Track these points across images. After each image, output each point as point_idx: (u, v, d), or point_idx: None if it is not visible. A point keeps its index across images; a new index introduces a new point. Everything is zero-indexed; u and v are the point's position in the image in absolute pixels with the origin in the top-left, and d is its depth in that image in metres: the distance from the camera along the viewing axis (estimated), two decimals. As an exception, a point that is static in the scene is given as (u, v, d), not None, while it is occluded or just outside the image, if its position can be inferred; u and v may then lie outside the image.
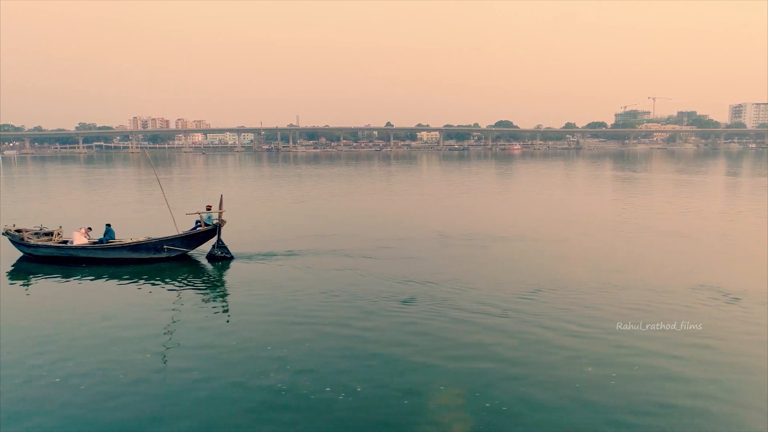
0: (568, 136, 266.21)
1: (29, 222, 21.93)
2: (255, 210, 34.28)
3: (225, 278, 17.77)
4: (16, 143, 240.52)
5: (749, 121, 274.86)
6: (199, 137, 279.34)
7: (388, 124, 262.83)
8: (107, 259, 19.21)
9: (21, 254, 20.27)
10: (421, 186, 54.65)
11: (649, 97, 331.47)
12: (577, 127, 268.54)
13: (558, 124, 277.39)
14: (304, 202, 38.75)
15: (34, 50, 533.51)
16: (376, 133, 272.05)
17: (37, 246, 19.55)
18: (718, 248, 21.86)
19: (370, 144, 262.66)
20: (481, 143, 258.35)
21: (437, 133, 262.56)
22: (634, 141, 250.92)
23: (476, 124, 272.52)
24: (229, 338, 12.14)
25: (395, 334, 12.14)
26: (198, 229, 19.61)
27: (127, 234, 21.06)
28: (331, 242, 22.38)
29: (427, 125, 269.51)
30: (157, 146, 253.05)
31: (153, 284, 16.98)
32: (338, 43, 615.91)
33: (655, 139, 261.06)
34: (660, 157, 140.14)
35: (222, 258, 19.25)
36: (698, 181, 58.94)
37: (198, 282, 17.66)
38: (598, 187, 54.41)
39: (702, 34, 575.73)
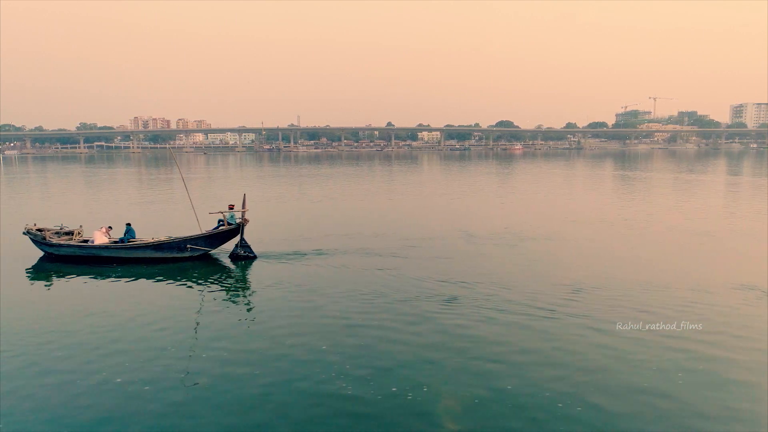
0: (569, 136, 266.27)
1: (44, 222, 21.75)
2: (273, 209, 34.13)
3: (249, 278, 17.69)
4: (17, 143, 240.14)
5: (750, 121, 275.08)
6: (200, 137, 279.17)
7: (389, 124, 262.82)
8: (130, 259, 19.14)
9: (42, 253, 20.18)
10: (430, 186, 54.52)
11: (649, 97, 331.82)
12: (578, 127, 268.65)
13: (558, 124, 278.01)
14: (319, 202, 38.70)
15: (34, 50, 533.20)
16: (377, 133, 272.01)
17: (60, 245, 19.47)
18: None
19: (371, 144, 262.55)
20: (482, 143, 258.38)
21: (438, 133, 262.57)
22: (635, 141, 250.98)
23: (477, 124, 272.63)
24: (254, 339, 12.01)
25: (443, 337, 11.86)
26: (221, 228, 19.55)
27: (145, 233, 20.99)
28: (355, 241, 22.28)
29: (428, 125, 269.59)
30: (158, 146, 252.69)
31: (177, 284, 16.92)
32: (338, 43, 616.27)
33: (656, 139, 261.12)
34: (661, 157, 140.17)
35: (245, 257, 19.17)
36: (700, 180, 58.97)
37: (222, 282, 17.56)
38: (604, 186, 54.39)
39: (702, 34, 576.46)
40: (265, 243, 21.02)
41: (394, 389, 9.45)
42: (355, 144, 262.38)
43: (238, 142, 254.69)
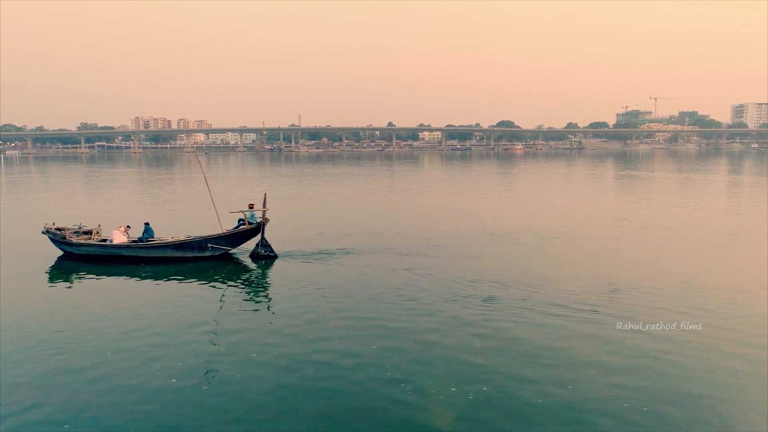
0: (570, 136, 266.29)
1: (58, 221, 21.62)
2: (288, 208, 34.06)
3: (271, 277, 17.60)
4: (18, 143, 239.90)
5: (751, 121, 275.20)
6: (201, 137, 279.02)
7: (390, 124, 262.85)
8: (150, 258, 19.08)
9: (61, 253, 20.12)
10: (439, 185, 54.46)
11: (650, 97, 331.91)
12: (579, 127, 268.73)
13: (559, 124, 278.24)
14: (331, 202, 38.67)
15: (34, 50, 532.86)
16: (378, 133, 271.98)
17: (80, 245, 19.41)
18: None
19: (373, 144, 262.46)
20: (483, 143, 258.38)
21: (439, 133, 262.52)
22: (636, 141, 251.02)
23: (478, 124, 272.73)
24: (276, 338, 11.85)
25: (490, 342, 11.51)
26: (241, 227, 19.50)
27: (162, 232, 20.90)
28: (378, 241, 22.15)
29: (429, 125, 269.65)
30: (159, 146, 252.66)
31: (198, 283, 16.81)
32: (338, 43, 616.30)
33: (657, 139, 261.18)
34: (663, 157, 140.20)
35: (266, 257, 19.12)
36: (707, 180, 58.96)
37: (243, 281, 17.52)
38: (613, 186, 54.42)
39: (702, 34, 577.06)
40: (286, 242, 20.95)
41: (443, 397, 9.31)
42: (356, 144, 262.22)
43: (239, 142, 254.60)
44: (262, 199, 19.76)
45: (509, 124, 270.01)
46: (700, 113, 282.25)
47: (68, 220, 22.39)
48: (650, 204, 36.08)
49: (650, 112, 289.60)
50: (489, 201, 39.29)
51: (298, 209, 34.00)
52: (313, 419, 8.57)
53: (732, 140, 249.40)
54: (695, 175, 67.35)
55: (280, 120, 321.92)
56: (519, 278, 16.27)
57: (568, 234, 23.96)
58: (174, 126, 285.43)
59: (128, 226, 20.70)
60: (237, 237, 19.45)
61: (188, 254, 19.09)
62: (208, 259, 19.22)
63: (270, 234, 20.13)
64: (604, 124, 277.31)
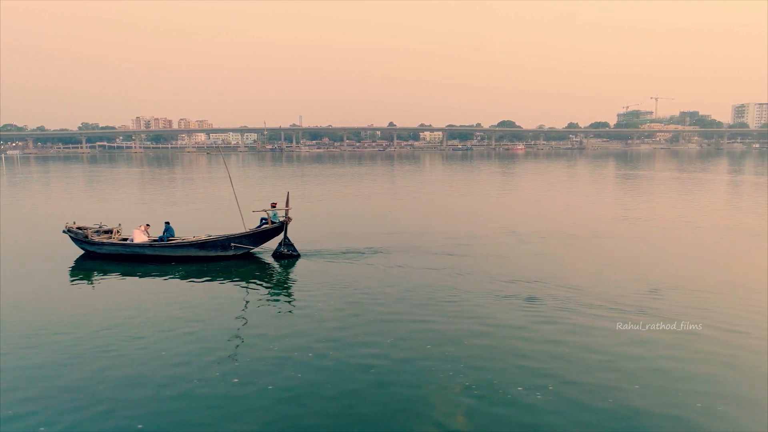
0: (571, 136, 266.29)
1: (75, 221, 21.59)
2: (304, 208, 33.87)
3: (294, 277, 17.49)
4: (19, 143, 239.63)
5: (752, 121, 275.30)
6: (201, 137, 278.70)
7: (391, 124, 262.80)
8: (173, 257, 19.02)
9: (81, 252, 20.05)
10: (449, 185, 54.34)
11: (651, 97, 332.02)
12: (580, 127, 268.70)
13: (559, 124, 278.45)
14: (345, 200, 38.69)
15: (34, 50, 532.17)
16: (379, 133, 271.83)
17: (102, 244, 19.34)
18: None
19: (374, 144, 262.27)
20: (485, 143, 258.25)
21: (440, 133, 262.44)
22: (637, 141, 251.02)
23: (478, 124, 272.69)
24: (300, 338, 11.76)
25: (545, 346, 11.22)
26: (264, 226, 19.44)
27: (181, 231, 20.82)
28: (403, 240, 22.04)
29: (430, 125, 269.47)
30: (160, 146, 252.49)
31: (222, 282, 16.78)
32: (338, 43, 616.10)
33: (658, 139, 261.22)
34: (665, 157, 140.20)
35: (289, 256, 19.06)
36: (704, 179, 58.95)
37: (267, 280, 17.45)
38: (622, 186, 54.35)
39: (702, 34, 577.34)
40: (307, 241, 20.84)
41: (493, 406, 9.27)
42: (358, 144, 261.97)
43: (240, 142, 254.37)
44: (285, 199, 19.70)
45: (510, 124, 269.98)
46: (701, 113, 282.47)
47: (82, 219, 22.32)
48: (671, 203, 36.05)
49: (651, 112, 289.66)
50: (503, 200, 39.33)
51: (315, 209, 33.90)
52: (338, 421, 8.50)
53: (733, 140, 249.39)
54: (705, 175, 67.26)
55: (281, 120, 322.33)
56: (557, 278, 16.12)
57: (594, 233, 23.96)
58: (175, 126, 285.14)
59: (148, 225, 20.65)
60: (260, 236, 19.39)
61: (211, 253, 19.02)
62: (231, 258, 19.15)
63: (292, 232, 20.08)
64: (605, 124, 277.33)
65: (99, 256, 19.55)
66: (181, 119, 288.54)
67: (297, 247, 19.35)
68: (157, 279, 17.04)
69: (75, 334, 12.17)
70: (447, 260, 18.54)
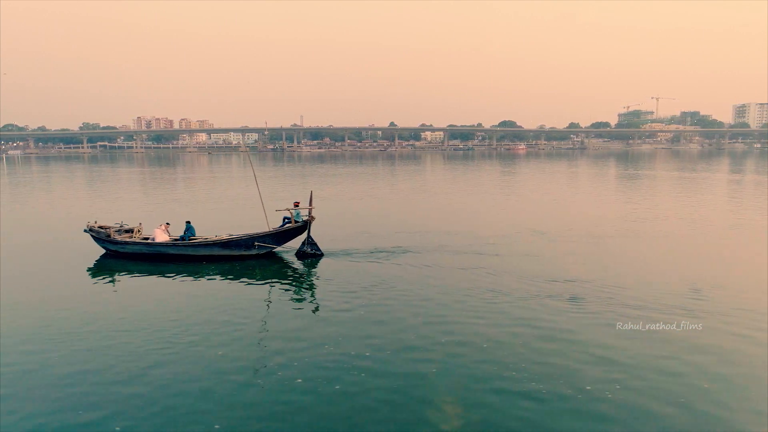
0: (572, 136, 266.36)
1: (80, 220, 21.41)
2: (322, 207, 33.66)
3: (318, 276, 17.35)
4: (20, 143, 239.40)
5: (753, 121, 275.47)
6: (202, 137, 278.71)
7: (392, 124, 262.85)
8: (195, 256, 18.92)
9: (102, 251, 19.94)
10: (459, 185, 54.17)
11: (652, 97, 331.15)
12: (581, 127, 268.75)
13: (560, 124, 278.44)
14: (361, 200, 38.50)
15: (34, 50, 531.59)
16: (380, 132, 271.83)
17: (125, 243, 19.24)
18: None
19: (375, 144, 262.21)
20: (485, 143, 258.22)
21: (441, 133, 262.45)
22: (639, 141, 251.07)
23: (479, 124, 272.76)
24: (325, 339, 11.59)
25: (603, 351, 10.87)
26: (287, 225, 19.34)
27: (201, 230, 20.69)
28: (426, 239, 21.89)
29: (431, 125, 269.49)
30: (161, 146, 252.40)
31: (247, 282, 16.66)
32: (338, 43, 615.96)
33: (659, 139, 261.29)
34: (667, 157, 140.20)
35: (312, 255, 18.96)
36: (713, 179, 58.95)
37: (292, 280, 17.33)
38: (631, 186, 54.29)
39: (702, 34, 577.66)
40: (331, 240, 20.72)
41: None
42: (358, 144, 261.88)
43: (241, 142, 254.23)
44: (309, 198, 19.61)
45: (511, 124, 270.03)
46: (701, 113, 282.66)
47: (97, 219, 22.12)
48: (692, 202, 35.99)
49: (652, 112, 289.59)
50: (518, 200, 39.18)
51: (330, 208, 33.59)
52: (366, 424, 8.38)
53: (734, 140, 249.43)
54: (713, 174, 67.22)
55: (282, 120, 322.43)
56: (595, 278, 15.97)
57: (619, 232, 23.84)
58: (176, 126, 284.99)
59: (168, 224, 20.54)
60: (283, 235, 19.29)
61: (234, 252, 18.92)
62: (254, 257, 19.05)
63: (314, 231, 19.99)
64: (606, 124, 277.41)
65: (121, 255, 19.44)
66: (182, 119, 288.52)
67: (320, 245, 19.24)
68: (182, 278, 16.92)
69: (105, 334, 12.06)
70: (478, 260, 18.37)
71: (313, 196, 19.75)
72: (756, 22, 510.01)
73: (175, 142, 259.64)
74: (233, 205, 35.82)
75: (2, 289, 15.69)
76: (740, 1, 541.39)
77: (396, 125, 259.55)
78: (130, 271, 17.80)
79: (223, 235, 19.54)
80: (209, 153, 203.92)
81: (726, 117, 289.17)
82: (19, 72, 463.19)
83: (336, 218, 28.44)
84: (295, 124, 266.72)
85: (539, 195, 42.73)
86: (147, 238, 19.93)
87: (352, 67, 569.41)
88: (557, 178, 62.56)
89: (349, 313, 13.28)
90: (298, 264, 18.69)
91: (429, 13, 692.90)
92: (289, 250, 19.89)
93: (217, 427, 8.21)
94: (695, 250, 21.17)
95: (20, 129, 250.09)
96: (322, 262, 18.63)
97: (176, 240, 19.69)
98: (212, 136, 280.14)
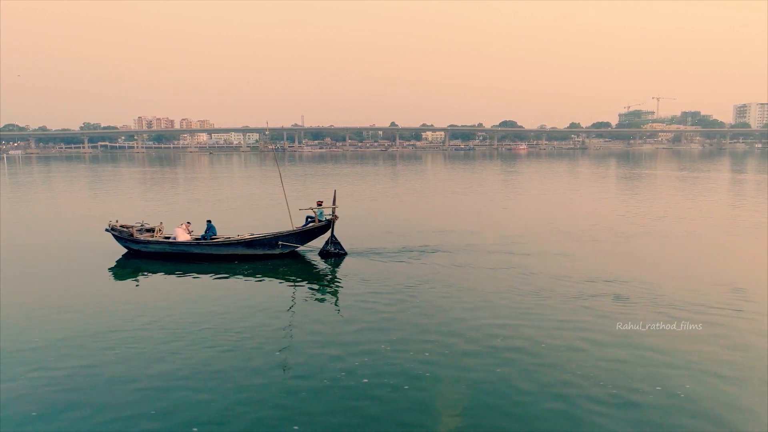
0: (573, 136, 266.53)
1: (98, 220, 21.29)
2: (344, 206, 33.49)
3: (343, 275, 17.20)
4: (21, 143, 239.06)
5: (754, 121, 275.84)
6: (203, 137, 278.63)
7: (393, 124, 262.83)
8: (219, 255, 18.85)
9: (124, 250, 19.85)
10: (469, 185, 53.77)
11: (652, 97, 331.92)
12: (582, 127, 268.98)
13: (560, 124, 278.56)
14: (375, 200, 38.29)
15: (34, 50, 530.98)
16: (381, 132, 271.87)
17: (148, 242, 19.16)
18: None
19: (376, 144, 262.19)
20: (486, 143, 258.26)
21: (442, 133, 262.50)
22: (639, 141, 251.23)
23: (480, 124, 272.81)
24: (350, 339, 11.48)
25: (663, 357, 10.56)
26: (311, 224, 19.29)
27: (222, 230, 20.59)
28: (451, 238, 21.72)
29: (432, 125, 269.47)
30: (162, 146, 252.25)
31: (271, 281, 16.61)
32: (339, 43, 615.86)
33: (660, 139, 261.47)
34: (668, 157, 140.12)
35: (336, 254, 18.88)
36: (718, 179, 58.95)
37: (316, 279, 17.27)
38: (639, 185, 54.27)
39: (702, 34, 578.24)
40: (354, 239, 20.62)
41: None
42: (359, 144, 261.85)
43: (242, 142, 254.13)
44: (332, 197, 19.56)
45: (512, 124, 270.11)
46: (702, 113, 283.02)
47: (111, 218, 21.97)
48: (704, 201, 35.94)
49: (653, 112, 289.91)
50: (530, 200, 38.94)
51: (350, 207, 33.40)
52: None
53: (735, 140, 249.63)
54: (718, 174, 67.21)
55: (283, 120, 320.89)
56: (635, 276, 15.90)
57: (643, 231, 23.79)
58: (177, 126, 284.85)
59: (189, 223, 20.48)
60: (307, 234, 19.22)
61: (258, 252, 18.84)
62: (278, 257, 18.97)
63: (337, 230, 19.91)
64: (606, 124, 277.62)
65: (143, 254, 19.36)
66: (183, 119, 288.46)
67: (344, 244, 19.18)
68: (207, 277, 16.80)
69: (131, 333, 11.97)
70: (509, 259, 18.22)
71: (336, 196, 19.67)
72: (756, 22, 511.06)
73: (176, 142, 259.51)
74: (245, 204, 35.73)
75: (27, 289, 15.63)
76: (740, 1, 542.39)
77: (397, 125, 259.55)
78: (154, 271, 17.73)
79: (246, 235, 19.47)
80: (210, 153, 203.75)
81: (727, 117, 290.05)
82: (19, 72, 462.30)
83: (355, 218, 28.27)
84: (296, 124, 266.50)
85: (550, 195, 42.61)
86: (168, 238, 19.86)
87: (352, 67, 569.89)
88: (563, 178, 62.50)
89: (375, 314, 13.03)
90: (321, 263, 18.61)
91: (429, 13, 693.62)
92: (312, 249, 19.82)
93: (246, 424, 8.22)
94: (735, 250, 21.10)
95: (21, 129, 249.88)
96: (346, 261, 18.55)
97: (198, 239, 19.63)
98: (213, 136, 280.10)
